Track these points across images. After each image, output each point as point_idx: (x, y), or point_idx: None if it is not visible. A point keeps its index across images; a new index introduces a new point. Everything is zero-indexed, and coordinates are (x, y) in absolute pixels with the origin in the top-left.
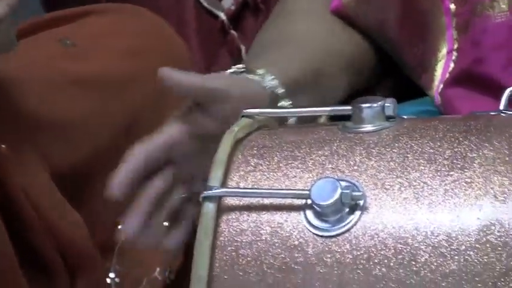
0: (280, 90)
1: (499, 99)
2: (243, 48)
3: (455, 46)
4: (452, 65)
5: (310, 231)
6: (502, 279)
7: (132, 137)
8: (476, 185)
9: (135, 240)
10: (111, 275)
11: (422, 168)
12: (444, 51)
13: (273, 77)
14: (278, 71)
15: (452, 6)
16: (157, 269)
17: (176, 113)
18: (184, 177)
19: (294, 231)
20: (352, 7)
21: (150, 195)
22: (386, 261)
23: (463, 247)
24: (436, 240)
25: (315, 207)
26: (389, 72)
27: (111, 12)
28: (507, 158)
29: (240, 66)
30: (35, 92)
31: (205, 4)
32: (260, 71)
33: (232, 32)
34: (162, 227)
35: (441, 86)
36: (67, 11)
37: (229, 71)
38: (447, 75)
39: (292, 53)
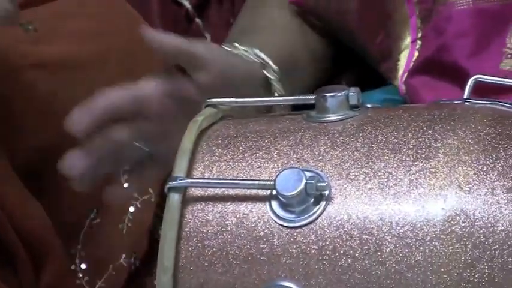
0: (274, 68)
1: (463, 85)
2: (208, 36)
3: (419, 35)
4: (416, 53)
5: (276, 222)
6: (468, 270)
7: None
8: (440, 175)
9: (76, 177)
10: (77, 261)
11: (387, 158)
12: (408, 40)
13: (258, 52)
14: (268, 50)
15: None
16: (123, 255)
17: (155, 73)
18: (152, 135)
19: (259, 222)
20: (312, 1)
21: (104, 139)
22: (351, 251)
23: (428, 237)
24: (401, 230)
25: (280, 197)
26: (353, 62)
27: None
28: (471, 148)
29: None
30: None
31: None
32: (248, 49)
33: (197, 19)
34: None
35: (405, 75)
36: None
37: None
38: (411, 64)
39: (272, 38)
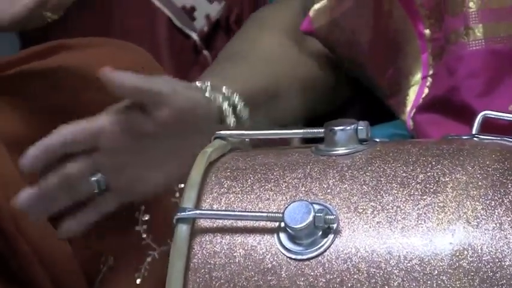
0: (237, 100)
1: (471, 124)
2: None
3: (430, 72)
4: (426, 90)
5: (284, 254)
6: None
7: None
8: (449, 210)
9: (28, 211)
10: None
11: (395, 192)
12: (418, 76)
13: (224, 87)
14: (235, 82)
15: (427, 32)
16: None
17: (114, 106)
18: (108, 166)
19: (267, 254)
20: (324, 31)
21: (58, 174)
22: (359, 285)
23: (436, 272)
24: (409, 264)
25: (288, 230)
26: (361, 94)
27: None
28: (480, 183)
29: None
30: None
31: (178, 24)
32: (211, 83)
33: (205, 52)
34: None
35: (414, 110)
36: (38, 47)
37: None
38: (420, 100)
39: (250, 66)
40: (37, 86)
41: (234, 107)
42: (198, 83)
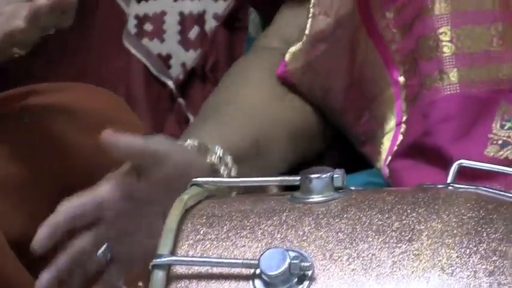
0: (228, 160)
1: (446, 169)
2: (190, 116)
3: (404, 118)
4: (400, 137)
5: None
6: None
7: None
8: (424, 257)
9: None
10: None
11: (371, 239)
12: (392, 123)
13: (217, 146)
14: (223, 140)
15: (402, 79)
16: None
17: (112, 173)
18: (112, 236)
19: None
20: (298, 74)
21: (69, 254)
22: None
23: None
24: None
25: (264, 277)
26: (337, 142)
27: (55, 91)
28: (455, 231)
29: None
30: None
31: (153, 71)
32: (202, 142)
33: (180, 100)
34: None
35: (389, 158)
36: (10, 91)
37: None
38: (395, 147)
39: (236, 121)
40: (12, 126)
41: (225, 165)
42: (189, 141)
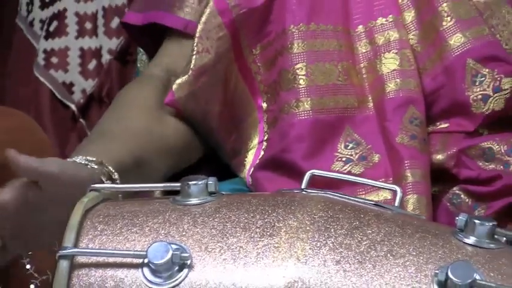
0: (114, 174)
1: (299, 181)
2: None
3: (265, 137)
4: (262, 152)
5: (147, 285)
6: None
7: None
8: (282, 249)
9: None
10: None
11: (239, 234)
12: (256, 141)
13: (104, 163)
14: (109, 158)
15: (265, 105)
16: None
17: (15, 180)
18: (7, 235)
19: (133, 285)
20: (183, 102)
21: None
22: None
23: None
24: None
25: (151, 265)
26: (211, 155)
27: None
28: (308, 228)
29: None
30: None
31: (59, 96)
32: (90, 158)
33: (81, 120)
34: None
35: (252, 169)
36: None
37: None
38: (257, 161)
39: (122, 144)
40: None
41: (109, 176)
42: (81, 158)
